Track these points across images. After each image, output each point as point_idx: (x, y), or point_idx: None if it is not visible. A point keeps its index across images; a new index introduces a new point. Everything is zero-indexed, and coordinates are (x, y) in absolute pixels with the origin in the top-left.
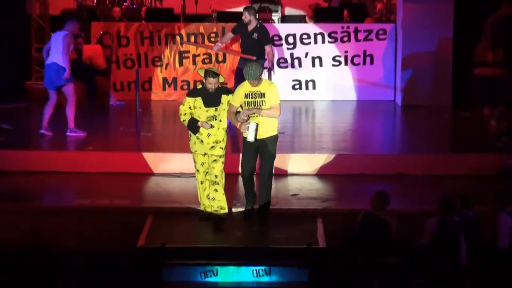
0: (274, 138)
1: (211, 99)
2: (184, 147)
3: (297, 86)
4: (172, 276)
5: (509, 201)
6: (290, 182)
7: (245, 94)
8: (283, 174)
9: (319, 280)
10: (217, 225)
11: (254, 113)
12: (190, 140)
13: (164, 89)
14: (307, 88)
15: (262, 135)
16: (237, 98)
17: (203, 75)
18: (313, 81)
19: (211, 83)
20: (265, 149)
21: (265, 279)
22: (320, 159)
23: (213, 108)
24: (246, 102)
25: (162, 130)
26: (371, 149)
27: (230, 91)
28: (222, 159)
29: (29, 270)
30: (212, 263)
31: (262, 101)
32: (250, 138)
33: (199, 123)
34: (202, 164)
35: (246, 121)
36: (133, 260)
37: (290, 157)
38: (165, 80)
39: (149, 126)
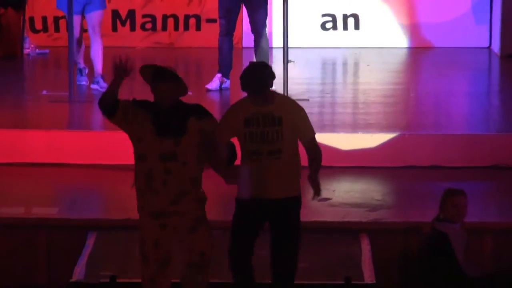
0: (297, 202)
1: (169, 122)
2: None
3: (329, 25)
4: None
5: None
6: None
7: (246, 119)
8: (306, 166)
9: None
10: None
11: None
12: (134, 183)
13: (114, 29)
14: (345, 27)
15: (275, 193)
16: (230, 126)
17: (146, 75)
18: (355, 16)
19: (160, 93)
20: (280, 224)
21: None
22: (365, 142)
23: (172, 140)
24: (248, 135)
25: None
26: (449, 126)
27: (204, 114)
28: (206, 226)
29: None
30: None
31: (277, 132)
32: (244, 193)
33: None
34: (156, 245)
35: (232, 163)
36: None
37: (317, 139)
38: (115, 15)
39: (90, 89)
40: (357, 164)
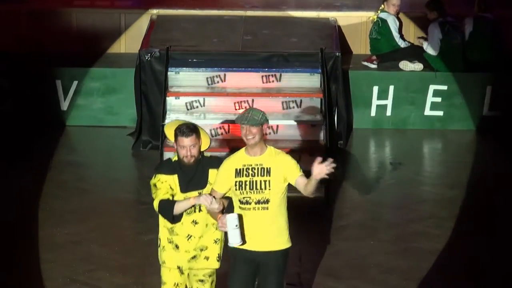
0: (284, 253)
1: (191, 178)
2: None
3: None
4: (178, 82)
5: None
6: None
7: (237, 170)
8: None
9: (331, 84)
10: None
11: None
12: (158, 244)
13: None
14: None
15: (264, 246)
16: (223, 177)
17: (170, 135)
18: None
19: (185, 146)
20: (267, 272)
21: (275, 85)
22: None
23: (195, 193)
24: (238, 184)
25: None
26: None
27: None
28: (212, 279)
29: (29, 75)
30: (219, 68)
31: (265, 182)
32: (233, 241)
33: (184, 203)
34: (176, 286)
35: (221, 210)
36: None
37: None
38: None
39: None
40: None
